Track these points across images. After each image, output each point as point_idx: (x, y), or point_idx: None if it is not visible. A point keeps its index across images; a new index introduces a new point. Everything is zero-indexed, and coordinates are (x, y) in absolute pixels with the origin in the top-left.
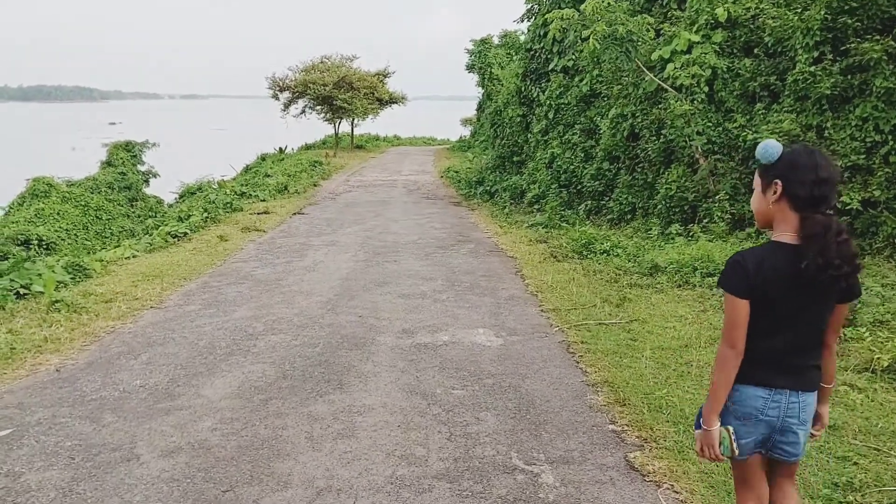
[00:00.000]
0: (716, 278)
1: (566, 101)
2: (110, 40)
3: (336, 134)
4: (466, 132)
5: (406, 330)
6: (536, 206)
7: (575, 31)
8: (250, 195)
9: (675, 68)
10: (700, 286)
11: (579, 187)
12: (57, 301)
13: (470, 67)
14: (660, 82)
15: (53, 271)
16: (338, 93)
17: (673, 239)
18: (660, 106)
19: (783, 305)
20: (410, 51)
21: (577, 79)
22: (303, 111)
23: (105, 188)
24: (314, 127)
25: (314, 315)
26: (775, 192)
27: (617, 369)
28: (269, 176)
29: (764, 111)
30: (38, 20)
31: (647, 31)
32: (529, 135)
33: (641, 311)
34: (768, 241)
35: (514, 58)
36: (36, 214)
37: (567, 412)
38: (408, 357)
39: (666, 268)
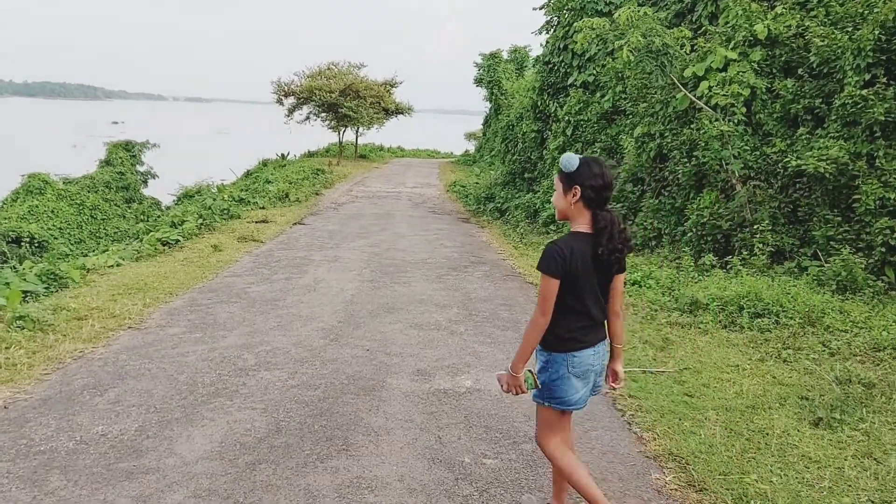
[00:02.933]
0: (766, 319)
1: (586, 118)
2: (117, 40)
3: (340, 142)
4: (470, 146)
5: (421, 371)
6: (553, 228)
7: (606, 42)
8: (249, 202)
9: (711, 86)
10: (750, 328)
11: None
12: (21, 317)
13: (478, 81)
14: (695, 100)
15: (25, 279)
16: (344, 100)
17: (708, 271)
18: (692, 126)
19: (585, 280)
20: (415, 64)
21: (598, 94)
22: (307, 118)
23: (102, 187)
24: (318, 134)
25: (315, 347)
26: (575, 195)
27: (680, 436)
28: (269, 182)
29: (807, 136)
30: (45, 16)
31: (683, 45)
32: (545, 151)
33: (689, 357)
34: (569, 232)
35: (530, 71)
36: (29, 211)
37: (632, 499)
38: (426, 408)
39: (708, 305)
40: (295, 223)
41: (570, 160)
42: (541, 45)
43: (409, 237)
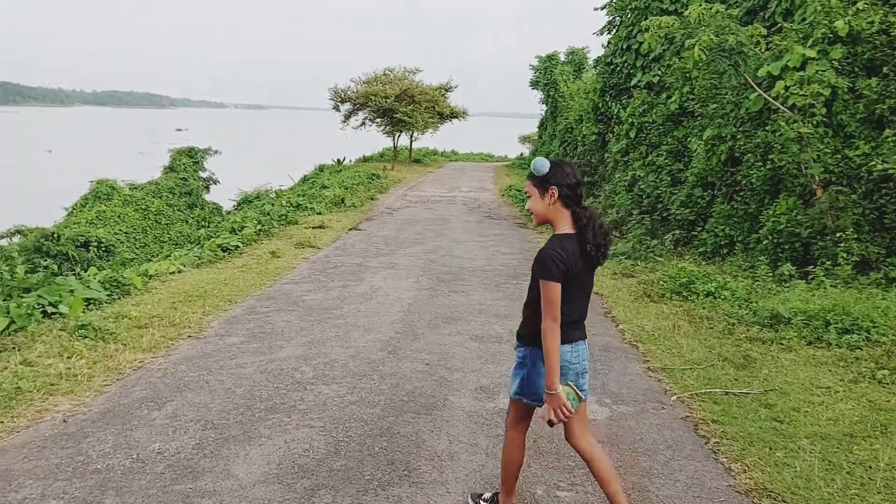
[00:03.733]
0: (856, 335)
1: (650, 120)
2: (181, 50)
3: (394, 147)
4: (525, 149)
5: (484, 388)
6: (616, 234)
7: (675, 41)
8: (306, 207)
9: (787, 86)
10: (838, 345)
11: (665, 214)
12: (83, 325)
13: (534, 84)
14: (771, 100)
15: (89, 286)
16: (399, 105)
17: (787, 282)
18: (766, 128)
19: (577, 279)
20: (468, 67)
21: (663, 96)
22: (363, 123)
23: (166, 193)
24: (373, 139)
25: (373, 359)
26: (552, 196)
27: (772, 468)
28: (325, 188)
29: (894, 138)
30: (115, 28)
31: (757, 43)
32: (606, 154)
33: (774, 376)
34: (554, 236)
35: (588, 73)
36: (97, 216)
37: None
38: (492, 430)
39: (791, 319)
40: (351, 229)
41: (542, 163)
42: (602, 45)
43: (465, 243)
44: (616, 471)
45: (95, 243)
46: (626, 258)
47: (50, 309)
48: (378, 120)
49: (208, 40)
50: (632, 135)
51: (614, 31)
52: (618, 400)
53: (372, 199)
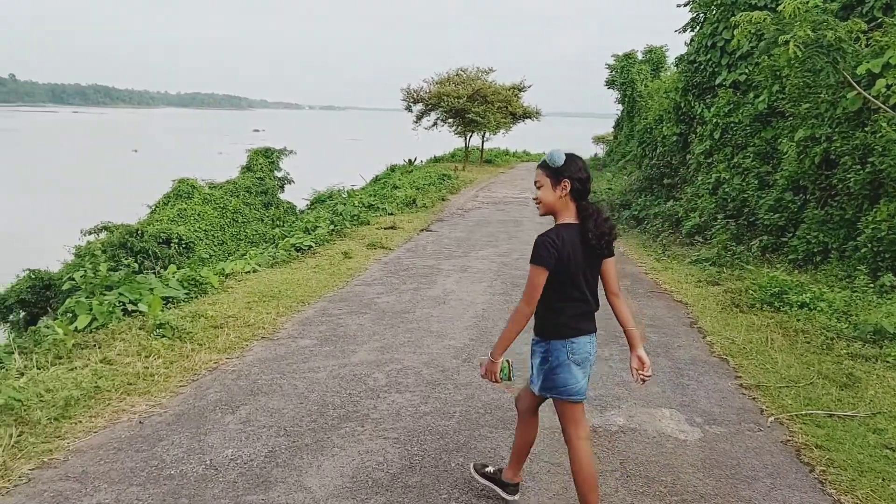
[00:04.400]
0: None
1: (736, 120)
2: (260, 53)
3: (466, 147)
4: (599, 150)
5: None
6: (698, 238)
7: (765, 37)
8: (378, 208)
9: (889, 84)
10: None
11: (752, 219)
12: (161, 325)
13: (610, 83)
14: (872, 99)
15: (167, 285)
16: (471, 105)
17: (888, 293)
18: (866, 129)
19: (578, 267)
20: (539, 66)
21: (750, 95)
22: (434, 123)
23: (243, 192)
24: (444, 140)
25: (447, 367)
26: (564, 189)
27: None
28: (397, 188)
29: None
30: (198, 32)
31: (857, 39)
32: (688, 156)
33: (881, 398)
34: (556, 225)
35: (668, 72)
36: (178, 214)
37: None
38: None
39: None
40: (422, 230)
41: (559, 155)
42: (685, 43)
43: None
44: (596, 476)
45: (176, 240)
46: (710, 264)
47: (130, 307)
48: (450, 120)
49: (286, 43)
50: (716, 135)
51: (698, 28)
52: (710, 419)
53: (443, 199)
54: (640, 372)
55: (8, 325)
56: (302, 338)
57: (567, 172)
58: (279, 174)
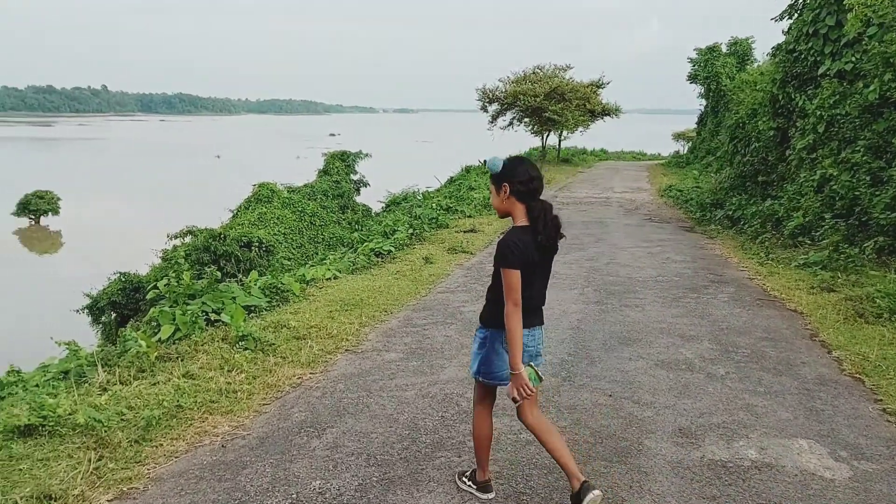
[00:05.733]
0: None
1: (843, 112)
2: (335, 58)
3: (543, 146)
4: (679, 147)
5: (684, 430)
6: (804, 240)
7: (884, 22)
8: (456, 210)
9: None
10: None
11: (864, 218)
12: (244, 336)
13: (692, 78)
14: None
15: (249, 293)
16: (548, 104)
17: None
18: None
19: (534, 267)
20: (615, 63)
21: (859, 84)
22: (510, 123)
23: (320, 195)
24: (520, 139)
25: (545, 386)
26: (505, 192)
27: None
28: (473, 189)
29: None
30: (275, 40)
31: None
32: (788, 151)
33: None
34: (512, 228)
35: (758, 64)
36: (259, 218)
37: None
38: (703, 489)
39: None
40: (502, 232)
41: (496, 162)
42: (782, 32)
43: (628, 249)
44: (563, 439)
45: (257, 243)
46: (821, 268)
47: (213, 316)
48: (526, 119)
49: (360, 48)
50: (820, 129)
51: (797, 15)
52: (857, 453)
53: None
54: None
55: (100, 326)
56: (387, 351)
57: (505, 177)
58: (355, 177)
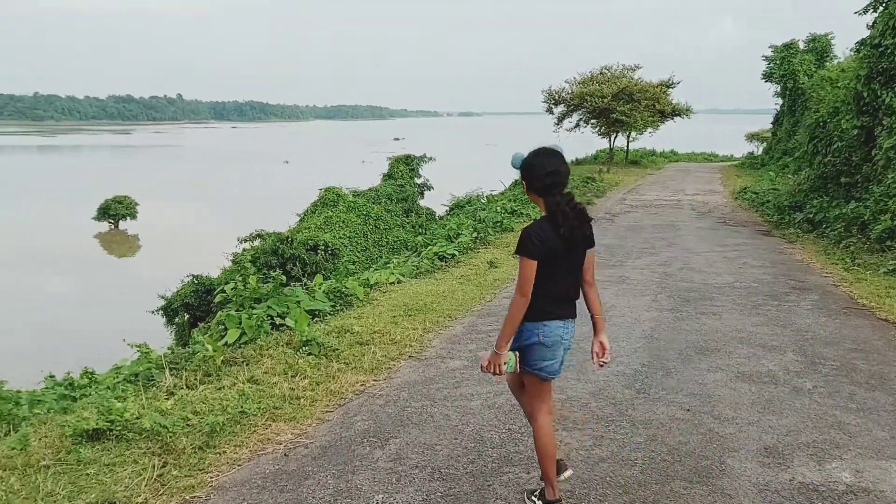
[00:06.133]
0: None
1: None
2: (400, 63)
3: (611, 148)
4: (753, 148)
5: (770, 449)
6: (892, 244)
7: None
8: (521, 213)
9: None
10: None
11: None
12: (308, 341)
13: (768, 76)
14: None
15: (314, 297)
16: (616, 104)
17: None
18: None
19: (558, 258)
20: (688, 61)
21: None
22: (576, 125)
23: (385, 199)
24: (586, 141)
25: (619, 399)
26: (524, 187)
27: None
28: None
29: None
30: (341, 47)
31: None
32: (874, 151)
33: None
34: (540, 218)
35: (839, 60)
36: (325, 221)
37: None
38: None
39: None
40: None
41: (516, 159)
42: (866, 26)
43: (702, 254)
44: (555, 449)
45: (322, 247)
46: None
47: (278, 320)
48: (593, 121)
49: (424, 53)
50: None
51: (882, 7)
52: None
53: (588, 203)
54: (599, 356)
55: (174, 326)
56: (451, 358)
57: (524, 174)
58: (419, 181)
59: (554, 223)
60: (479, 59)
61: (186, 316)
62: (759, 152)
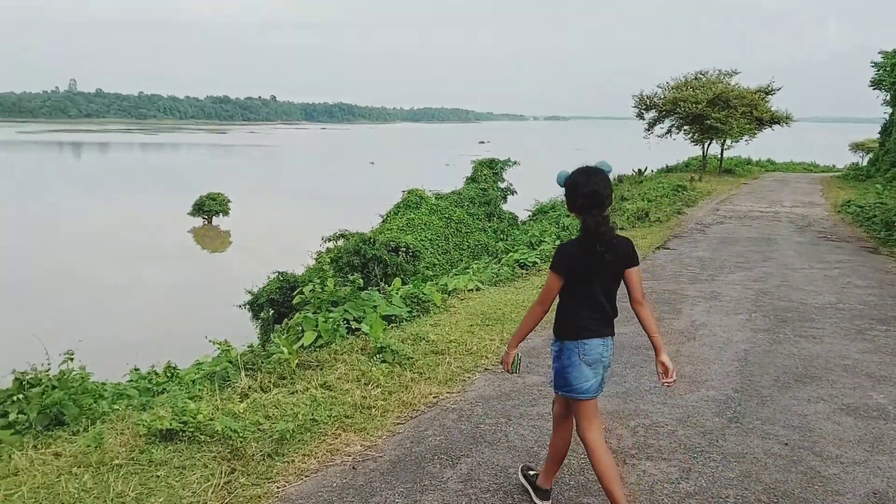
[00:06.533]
0: None
1: None
2: (486, 67)
3: (704, 156)
4: (858, 159)
5: (880, 494)
6: None
7: None
8: None
9: None
10: None
11: None
12: (382, 348)
13: (876, 83)
14: None
15: (391, 302)
16: (711, 111)
17: None
18: None
19: (592, 274)
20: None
21: None
22: (668, 131)
23: (467, 202)
24: (678, 148)
25: (708, 428)
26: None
27: None
28: (625, 199)
29: None
30: (427, 49)
31: None
32: None
33: None
34: (577, 236)
35: None
36: (407, 223)
37: None
38: None
39: None
40: (658, 247)
41: (560, 176)
42: None
43: (802, 270)
44: (616, 467)
45: (404, 248)
46: None
47: (354, 325)
48: (686, 127)
49: (511, 57)
50: None
51: None
52: None
53: (679, 213)
54: (665, 378)
55: (259, 321)
56: (529, 373)
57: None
58: (502, 185)
59: (586, 242)
60: (569, 62)
61: (271, 311)
62: (865, 163)
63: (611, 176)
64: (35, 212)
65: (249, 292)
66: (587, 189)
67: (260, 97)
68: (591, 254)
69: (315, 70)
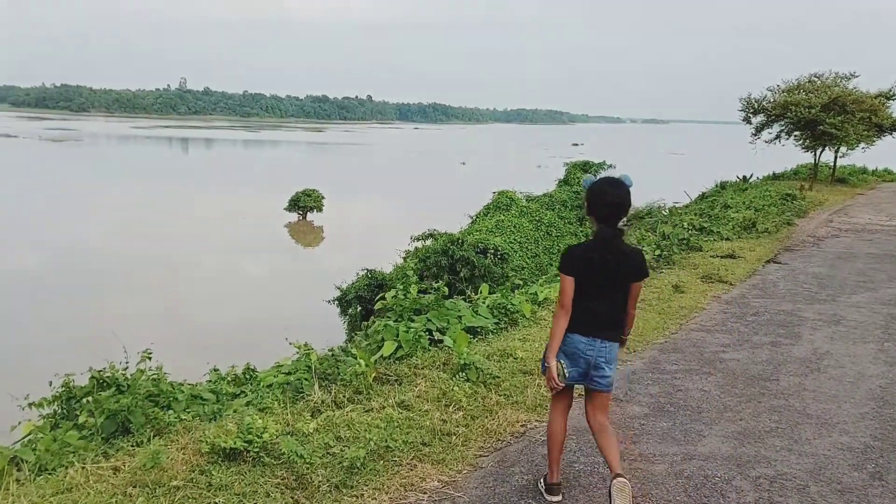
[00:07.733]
0: None
1: None
2: (581, 68)
3: (815, 164)
4: None
5: None
6: None
7: None
8: (711, 231)
9: None
10: None
11: None
12: (466, 365)
13: None
14: None
15: (476, 312)
16: (825, 116)
17: None
18: None
19: (593, 278)
20: None
21: None
22: (776, 136)
23: (559, 205)
24: (787, 155)
25: (847, 485)
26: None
27: None
28: (729, 207)
29: None
30: (522, 51)
31: None
32: None
33: None
34: (589, 240)
35: None
36: (496, 225)
37: None
38: None
39: None
40: (768, 261)
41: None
42: None
43: None
44: (618, 443)
45: (492, 250)
46: None
47: (437, 335)
48: (796, 133)
49: (606, 58)
50: None
51: None
52: None
53: (789, 224)
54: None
55: (347, 317)
56: (628, 401)
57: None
58: None
59: (596, 248)
60: (668, 63)
61: (359, 308)
62: None
63: (712, 182)
64: (142, 200)
65: (339, 288)
66: (611, 198)
67: (356, 97)
68: (599, 260)
69: (410, 70)
